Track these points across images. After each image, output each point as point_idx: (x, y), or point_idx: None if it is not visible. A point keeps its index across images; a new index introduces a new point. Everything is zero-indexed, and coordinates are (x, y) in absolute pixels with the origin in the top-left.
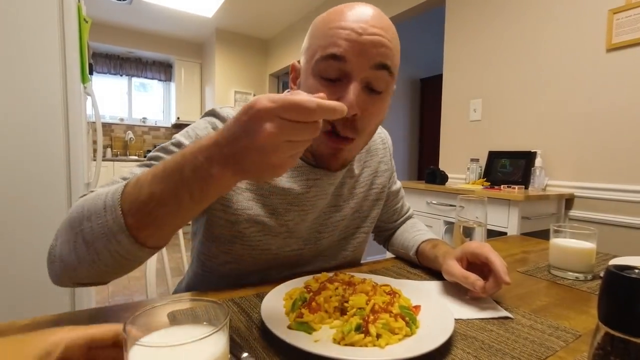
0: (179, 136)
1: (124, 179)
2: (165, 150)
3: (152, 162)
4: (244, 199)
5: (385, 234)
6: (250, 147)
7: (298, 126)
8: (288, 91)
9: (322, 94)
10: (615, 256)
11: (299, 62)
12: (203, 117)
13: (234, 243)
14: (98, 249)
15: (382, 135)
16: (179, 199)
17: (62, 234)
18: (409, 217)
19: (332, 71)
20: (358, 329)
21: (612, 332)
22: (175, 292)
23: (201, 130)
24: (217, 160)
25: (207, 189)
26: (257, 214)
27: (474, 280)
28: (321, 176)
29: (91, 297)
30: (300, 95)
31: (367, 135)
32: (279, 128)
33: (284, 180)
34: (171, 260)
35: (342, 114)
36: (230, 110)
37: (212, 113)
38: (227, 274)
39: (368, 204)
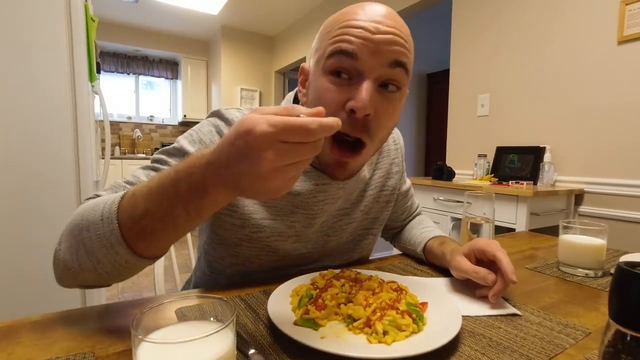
0: (183, 140)
1: (127, 182)
2: (169, 154)
3: (156, 164)
4: (251, 203)
5: (392, 232)
6: (249, 173)
7: (300, 147)
8: (287, 102)
9: (320, 108)
10: (626, 252)
11: (308, 64)
12: (208, 117)
13: (240, 246)
14: (98, 258)
15: (394, 135)
16: (175, 215)
17: (65, 239)
18: (418, 214)
19: (342, 68)
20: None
21: (623, 329)
22: (184, 289)
23: (205, 135)
24: (213, 181)
25: (202, 205)
26: (263, 217)
27: (485, 274)
28: (329, 181)
29: (101, 293)
30: (298, 117)
31: (379, 140)
32: (280, 154)
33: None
34: (179, 257)
35: (337, 128)
36: (237, 112)
37: (217, 114)
38: (234, 274)
39: (378, 206)
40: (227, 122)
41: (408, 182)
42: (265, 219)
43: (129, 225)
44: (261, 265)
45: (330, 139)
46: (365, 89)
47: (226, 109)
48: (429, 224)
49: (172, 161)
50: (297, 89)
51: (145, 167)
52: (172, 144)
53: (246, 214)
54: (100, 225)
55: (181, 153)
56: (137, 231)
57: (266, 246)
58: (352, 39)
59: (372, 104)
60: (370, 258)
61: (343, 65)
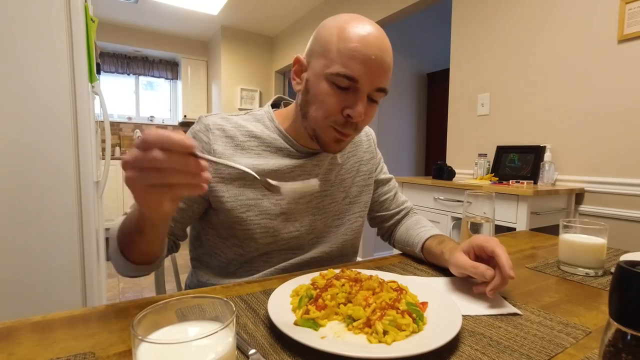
0: None
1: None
2: None
3: None
4: (235, 186)
5: (385, 227)
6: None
7: (162, 171)
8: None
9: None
10: (626, 251)
11: (303, 56)
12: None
13: (233, 229)
14: (117, 263)
15: (365, 130)
16: (140, 232)
17: (109, 244)
18: (409, 210)
19: (345, 84)
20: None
21: (623, 328)
22: (186, 287)
23: None
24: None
25: (152, 224)
26: (250, 197)
27: (484, 270)
28: (304, 157)
29: (102, 293)
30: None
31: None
32: (138, 174)
33: (271, 163)
34: (179, 257)
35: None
36: (216, 118)
37: (198, 120)
38: (235, 259)
39: (356, 189)
40: (204, 126)
41: (389, 175)
42: (252, 199)
43: (122, 245)
44: (257, 248)
45: (332, 126)
46: (361, 102)
47: (206, 115)
48: (425, 223)
49: None
50: (276, 97)
51: None
52: None
53: (232, 197)
54: (112, 244)
55: None
56: (125, 247)
57: (256, 225)
58: (357, 67)
59: (364, 113)
60: (370, 258)
61: (346, 84)
